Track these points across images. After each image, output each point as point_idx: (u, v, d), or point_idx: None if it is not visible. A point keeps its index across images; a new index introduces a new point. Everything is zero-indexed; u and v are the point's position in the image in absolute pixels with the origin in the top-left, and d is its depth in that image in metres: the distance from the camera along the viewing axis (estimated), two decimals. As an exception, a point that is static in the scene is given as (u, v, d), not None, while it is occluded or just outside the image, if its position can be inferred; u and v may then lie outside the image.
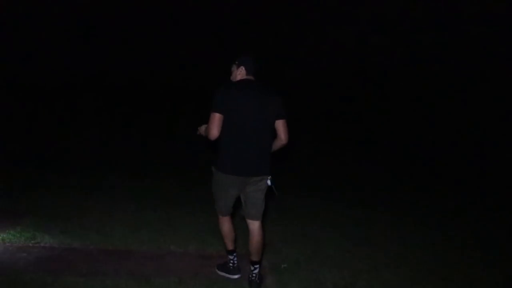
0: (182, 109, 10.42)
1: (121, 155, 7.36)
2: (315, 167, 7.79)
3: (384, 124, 10.87)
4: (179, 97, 11.62)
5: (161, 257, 3.52)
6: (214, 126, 2.83)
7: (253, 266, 3.10)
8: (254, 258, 3.09)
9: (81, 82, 12.51)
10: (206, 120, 2.93)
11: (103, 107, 11.02)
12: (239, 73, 3.04)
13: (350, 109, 11.76)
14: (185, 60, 12.30)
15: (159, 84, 12.47)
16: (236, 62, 3.06)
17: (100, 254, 3.48)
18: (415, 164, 8.43)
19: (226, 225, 3.18)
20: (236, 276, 3.24)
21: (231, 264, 3.28)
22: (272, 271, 3.42)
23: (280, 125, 2.98)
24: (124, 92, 12.15)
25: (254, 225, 3.08)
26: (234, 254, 3.28)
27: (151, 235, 3.93)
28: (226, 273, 3.27)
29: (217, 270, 3.33)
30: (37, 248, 3.48)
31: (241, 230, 3.50)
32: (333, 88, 11.96)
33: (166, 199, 5.12)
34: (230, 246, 3.25)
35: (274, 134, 3.02)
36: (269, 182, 2.99)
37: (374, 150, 9.21)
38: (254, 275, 3.10)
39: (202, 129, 3.08)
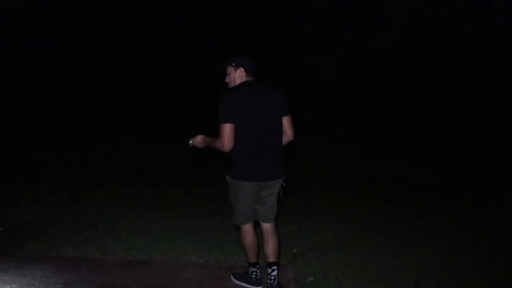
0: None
1: (147, 165, 7.45)
2: (352, 171, 7.34)
3: (426, 126, 10.17)
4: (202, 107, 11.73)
5: (180, 268, 3.32)
6: (228, 137, 2.68)
7: (270, 267, 2.86)
8: (272, 259, 2.87)
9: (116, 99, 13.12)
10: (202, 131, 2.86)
11: (132, 120, 11.40)
12: (239, 75, 2.84)
13: (393, 111, 11.17)
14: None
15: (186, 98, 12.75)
16: (233, 64, 2.84)
17: (118, 265, 3.35)
18: (473, 167, 7.66)
19: (248, 236, 2.94)
20: None
21: (253, 276, 3.05)
22: (296, 285, 3.10)
23: (286, 122, 2.88)
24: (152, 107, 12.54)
25: (268, 227, 2.91)
26: (257, 266, 3.05)
27: (174, 245, 3.77)
28: (248, 283, 3.04)
29: (234, 279, 3.12)
30: (57, 259, 3.44)
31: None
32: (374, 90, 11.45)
33: (193, 207, 4.98)
34: (253, 259, 3.01)
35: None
36: (283, 183, 2.88)
37: (413, 153, 8.53)
38: (272, 277, 2.85)
39: (197, 140, 2.90)
